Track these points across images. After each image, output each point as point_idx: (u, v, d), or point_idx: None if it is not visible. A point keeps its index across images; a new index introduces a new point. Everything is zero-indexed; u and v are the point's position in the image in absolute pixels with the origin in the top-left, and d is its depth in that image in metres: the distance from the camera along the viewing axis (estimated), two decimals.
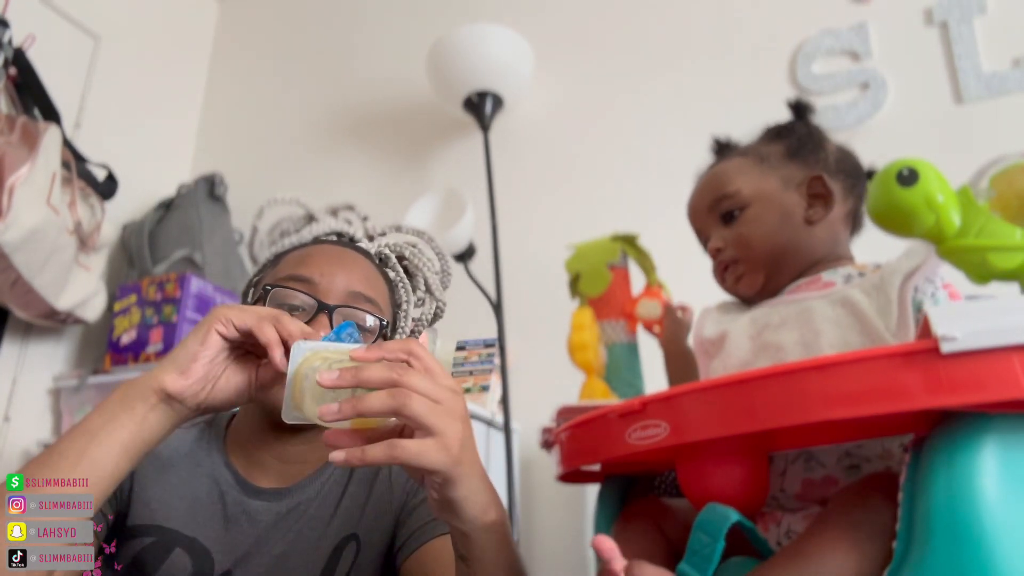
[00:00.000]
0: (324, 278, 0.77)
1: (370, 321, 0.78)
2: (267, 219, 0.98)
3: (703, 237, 0.94)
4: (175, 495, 0.79)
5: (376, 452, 0.52)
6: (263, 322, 0.62)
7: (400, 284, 0.88)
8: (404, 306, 0.87)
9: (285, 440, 0.81)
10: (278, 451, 0.81)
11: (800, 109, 0.96)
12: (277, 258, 0.85)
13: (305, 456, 0.82)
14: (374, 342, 0.78)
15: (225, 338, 0.63)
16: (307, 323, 0.73)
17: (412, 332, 0.90)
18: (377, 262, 0.87)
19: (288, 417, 0.58)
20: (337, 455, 0.52)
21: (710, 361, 0.86)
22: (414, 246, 0.92)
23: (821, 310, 0.76)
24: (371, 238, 0.92)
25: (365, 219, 0.95)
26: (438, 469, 0.53)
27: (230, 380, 0.65)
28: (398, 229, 0.96)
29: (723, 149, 0.99)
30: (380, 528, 0.80)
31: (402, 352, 0.55)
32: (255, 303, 0.79)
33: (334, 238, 0.89)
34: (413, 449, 0.52)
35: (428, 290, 0.89)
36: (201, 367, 0.63)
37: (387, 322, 0.80)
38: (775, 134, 0.94)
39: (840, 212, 0.87)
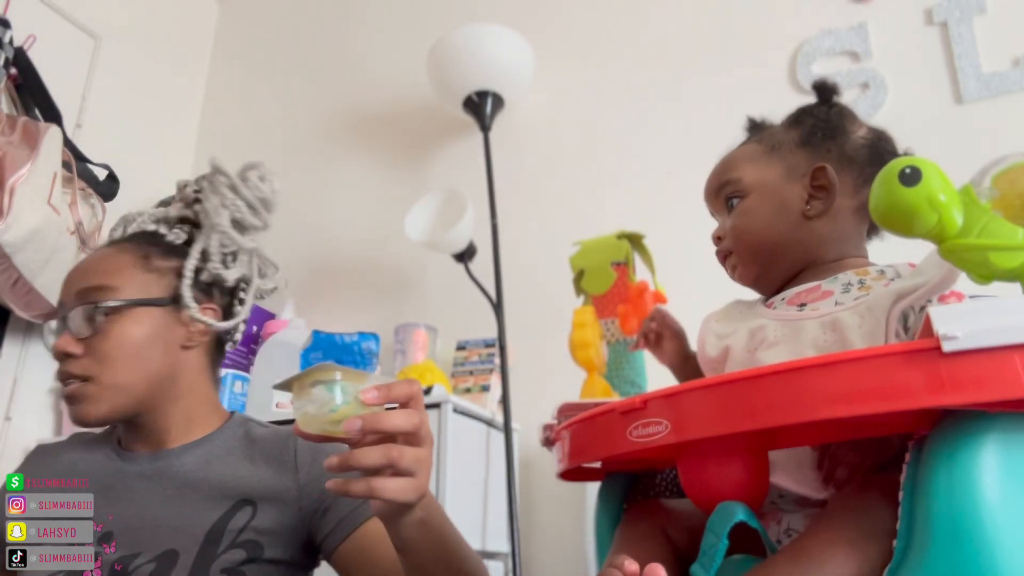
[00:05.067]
0: (62, 293, 0.87)
1: (99, 318, 0.84)
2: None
3: (716, 220, 0.92)
4: (59, 478, 0.86)
5: (358, 488, 0.59)
6: None
7: (202, 224, 0.92)
8: (213, 258, 0.90)
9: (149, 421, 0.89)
10: (147, 429, 0.89)
11: (824, 91, 0.90)
12: None
13: (171, 428, 0.88)
14: (122, 308, 0.85)
15: None
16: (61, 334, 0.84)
17: (252, 292, 0.95)
18: (147, 239, 0.91)
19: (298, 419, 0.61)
20: (331, 484, 0.60)
21: None
22: (210, 184, 0.93)
23: (811, 332, 0.74)
24: (191, 203, 0.95)
25: (184, 187, 0.98)
26: (411, 503, 0.61)
27: None
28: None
29: (751, 130, 0.95)
30: (281, 500, 0.84)
31: (405, 396, 0.61)
32: None
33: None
34: (392, 489, 0.59)
35: (239, 225, 0.93)
36: None
37: (104, 305, 0.84)
38: (794, 119, 0.90)
39: (849, 205, 0.82)
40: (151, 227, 0.93)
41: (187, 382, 0.89)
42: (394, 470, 0.59)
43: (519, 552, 1.48)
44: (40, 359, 1.99)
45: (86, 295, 0.84)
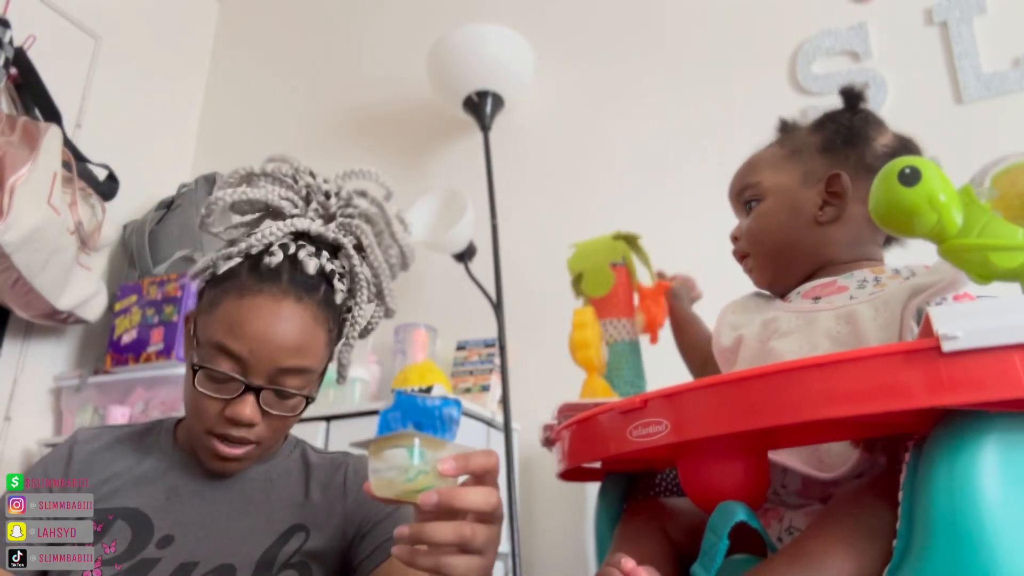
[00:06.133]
0: (252, 355, 0.77)
1: (293, 399, 0.81)
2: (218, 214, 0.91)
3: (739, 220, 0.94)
4: (118, 478, 0.85)
5: (425, 562, 0.57)
6: None
7: (357, 283, 0.87)
8: (355, 311, 0.88)
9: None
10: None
11: (850, 97, 0.90)
12: (214, 301, 0.81)
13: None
14: (303, 408, 0.83)
15: None
16: (232, 399, 0.78)
17: (366, 328, 0.92)
18: (323, 286, 0.83)
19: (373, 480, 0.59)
20: (397, 551, 0.58)
21: (729, 368, 0.85)
22: (368, 221, 0.90)
23: (824, 323, 0.75)
24: (331, 218, 0.89)
25: (317, 185, 0.91)
26: None
27: None
28: (361, 194, 0.94)
29: (781, 131, 0.95)
30: (330, 525, 0.85)
31: (481, 469, 0.59)
32: (190, 369, 0.80)
33: (278, 259, 0.81)
34: (460, 567, 0.57)
35: (379, 294, 0.90)
36: None
37: (312, 397, 0.83)
38: (818, 124, 0.90)
39: (864, 212, 0.81)
40: (314, 274, 0.83)
41: None
42: (463, 548, 0.57)
43: (519, 552, 1.48)
44: (40, 359, 1.99)
45: (285, 378, 0.79)
